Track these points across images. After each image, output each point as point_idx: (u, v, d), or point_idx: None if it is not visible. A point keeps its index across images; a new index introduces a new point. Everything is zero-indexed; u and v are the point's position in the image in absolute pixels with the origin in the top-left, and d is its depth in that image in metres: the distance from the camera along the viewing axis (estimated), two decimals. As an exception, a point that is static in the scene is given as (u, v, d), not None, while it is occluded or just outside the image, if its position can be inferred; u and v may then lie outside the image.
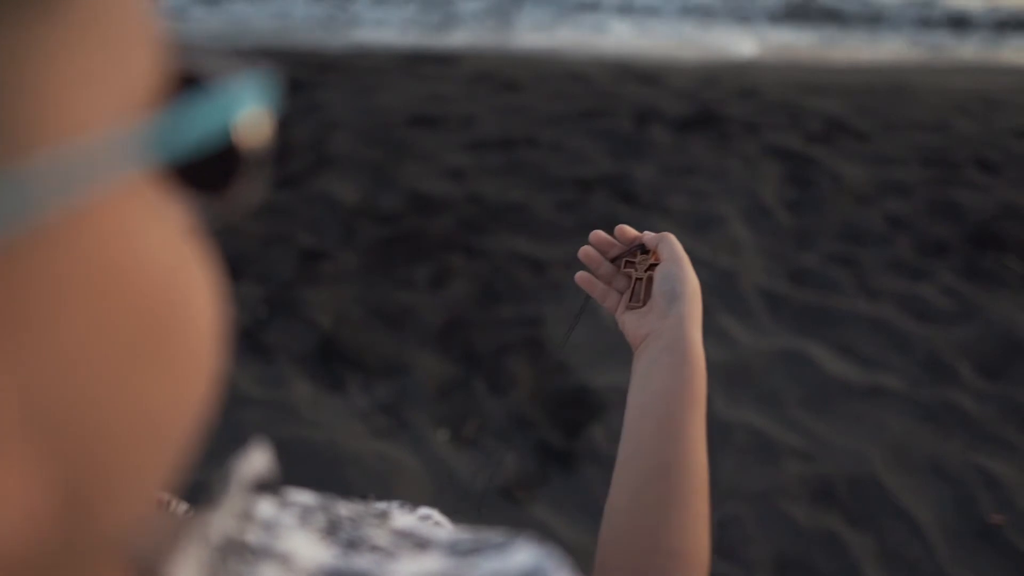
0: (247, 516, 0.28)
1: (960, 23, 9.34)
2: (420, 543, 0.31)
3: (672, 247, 0.65)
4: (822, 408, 2.32)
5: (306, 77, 5.08)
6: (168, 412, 0.21)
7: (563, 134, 4.41)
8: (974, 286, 3.03)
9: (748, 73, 6.38)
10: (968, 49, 8.10)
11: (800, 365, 2.49)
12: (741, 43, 8.05)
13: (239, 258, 2.94)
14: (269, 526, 0.29)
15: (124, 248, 0.18)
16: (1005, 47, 8.32)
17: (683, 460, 0.55)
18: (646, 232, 0.68)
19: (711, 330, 2.67)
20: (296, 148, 4.00)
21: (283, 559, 0.27)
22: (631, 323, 0.65)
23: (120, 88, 0.18)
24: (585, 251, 0.70)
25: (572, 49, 7.01)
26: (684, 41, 8.00)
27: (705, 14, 9.52)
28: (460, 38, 7.20)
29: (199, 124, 0.20)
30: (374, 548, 0.30)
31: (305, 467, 1.96)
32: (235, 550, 0.26)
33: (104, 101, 0.18)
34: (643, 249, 0.68)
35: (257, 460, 0.27)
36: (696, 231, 3.38)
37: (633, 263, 0.68)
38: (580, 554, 1.79)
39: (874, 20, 9.49)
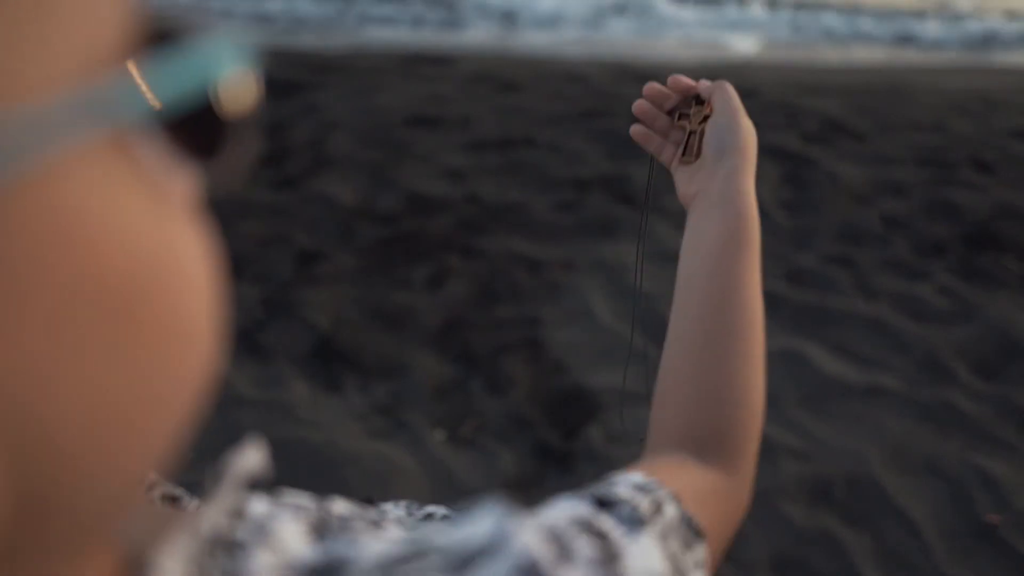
0: (239, 513, 0.28)
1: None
2: (378, 523, 0.31)
3: (726, 97, 0.61)
4: (820, 408, 2.32)
5: (304, 78, 5.08)
6: (144, 400, 0.19)
7: (562, 135, 4.41)
8: (971, 286, 3.04)
9: (746, 73, 6.38)
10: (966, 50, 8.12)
11: (798, 365, 2.49)
12: (740, 43, 8.06)
13: (237, 258, 2.94)
14: (260, 523, 0.28)
15: (84, 221, 0.17)
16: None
17: (735, 298, 0.53)
18: (702, 81, 0.64)
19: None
20: (294, 148, 4.00)
21: (272, 551, 0.27)
22: (683, 180, 0.62)
23: (74, 43, 0.17)
24: (639, 105, 0.66)
25: (571, 49, 7.02)
26: (683, 41, 8.01)
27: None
28: (465, 36, 7.20)
29: (175, 82, 0.19)
30: (352, 536, 0.30)
31: (302, 468, 1.96)
32: (224, 545, 0.26)
33: (52, 59, 0.16)
34: (698, 100, 0.64)
35: (251, 457, 0.27)
36: (694, 231, 3.38)
37: (687, 115, 0.64)
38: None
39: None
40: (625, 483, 0.42)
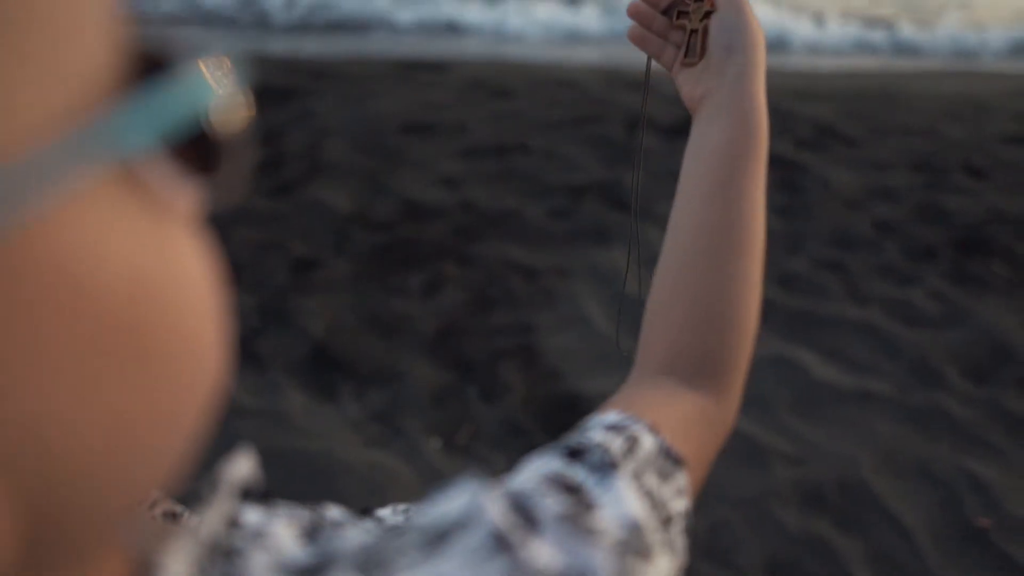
0: (234, 522, 0.29)
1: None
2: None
3: None
4: (811, 413, 2.34)
5: (298, 85, 5.10)
6: (154, 418, 0.20)
7: (555, 141, 4.43)
8: (962, 291, 3.06)
9: (739, 79, 6.41)
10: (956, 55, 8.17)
11: (789, 370, 2.51)
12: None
13: (231, 266, 2.95)
14: (255, 530, 0.29)
15: (86, 257, 0.17)
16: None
17: (738, 214, 0.50)
18: None
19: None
20: (288, 156, 4.01)
21: (267, 552, 0.28)
22: (687, 83, 0.58)
23: (65, 82, 0.17)
24: (634, 5, 0.62)
25: (564, 56, 7.05)
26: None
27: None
28: (459, 43, 7.22)
29: (167, 110, 0.19)
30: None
31: (299, 478, 1.97)
32: (222, 552, 0.27)
33: (43, 100, 0.16)
34: None
35: (242, 466, 0.27)
36: (687, 237, 3.40)
37: (687, 12, 0.60)
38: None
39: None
40: (598, 426, 0.42)
